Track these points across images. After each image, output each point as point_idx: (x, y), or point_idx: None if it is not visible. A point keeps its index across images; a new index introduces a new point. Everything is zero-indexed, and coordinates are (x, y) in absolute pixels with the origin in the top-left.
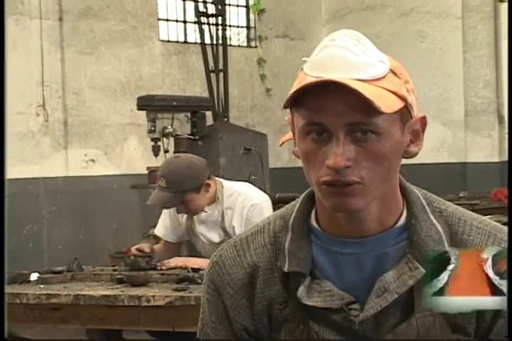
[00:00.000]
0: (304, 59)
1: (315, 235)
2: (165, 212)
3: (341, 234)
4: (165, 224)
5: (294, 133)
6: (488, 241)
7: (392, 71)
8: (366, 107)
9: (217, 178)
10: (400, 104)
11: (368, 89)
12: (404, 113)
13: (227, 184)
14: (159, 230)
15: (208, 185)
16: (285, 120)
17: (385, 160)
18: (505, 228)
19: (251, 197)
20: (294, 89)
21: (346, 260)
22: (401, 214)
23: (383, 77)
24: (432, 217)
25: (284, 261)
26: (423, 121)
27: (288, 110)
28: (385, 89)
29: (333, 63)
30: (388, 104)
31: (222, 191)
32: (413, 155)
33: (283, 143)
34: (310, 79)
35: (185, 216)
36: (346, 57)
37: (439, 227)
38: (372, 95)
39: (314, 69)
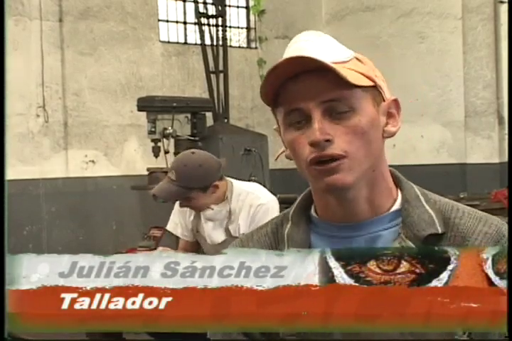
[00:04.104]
0: None
1: (313, 223)
2: (175, 209)
3: (337, 219)
4: (175, 221)
5: (283, 142)
6: (479, 224)
7: (356, 58)
8: (337, 84)
9: (228, 178)
10: (369, 82)
11: (335, 66)
12: (375, 94)
13: (237, 183)
14: (171, 226)
15: (216, 187)
16: (273, 129)
17: (364, 134)
18: (496, 217)
19: (259, 197)
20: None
21: (343, 243)
22: (395, 201)
23: (348, 61)
24: (425, 204)
25: (284, 246)
26: (396, 103)
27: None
28: (350, 69)
29: (298, 51)
30: (357, 79)
31: (232, 190)
32: (392, 134)
33: (278, 157)
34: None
35: (193, 214)
36: (311, 45)
37: (432, 213)
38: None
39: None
